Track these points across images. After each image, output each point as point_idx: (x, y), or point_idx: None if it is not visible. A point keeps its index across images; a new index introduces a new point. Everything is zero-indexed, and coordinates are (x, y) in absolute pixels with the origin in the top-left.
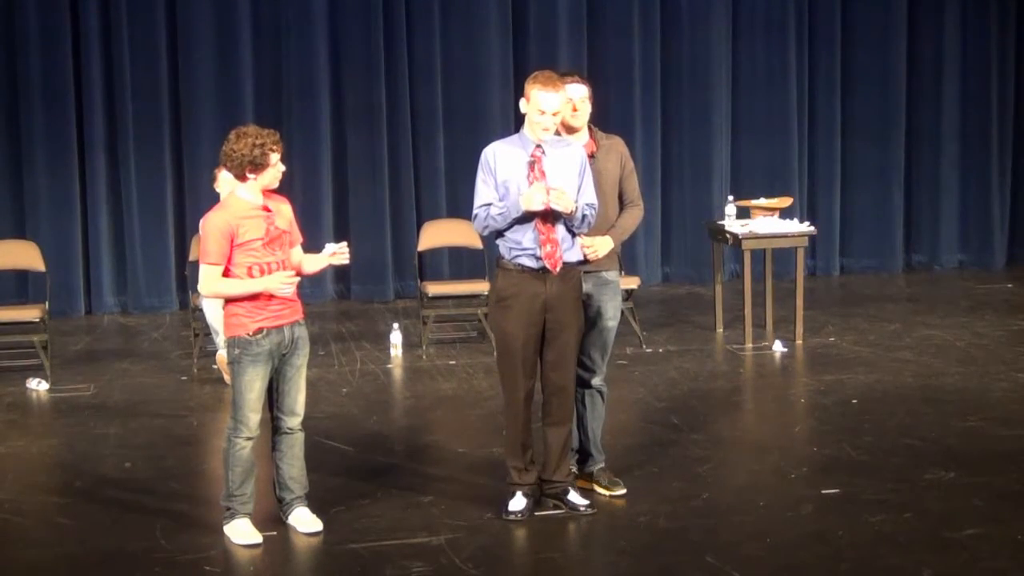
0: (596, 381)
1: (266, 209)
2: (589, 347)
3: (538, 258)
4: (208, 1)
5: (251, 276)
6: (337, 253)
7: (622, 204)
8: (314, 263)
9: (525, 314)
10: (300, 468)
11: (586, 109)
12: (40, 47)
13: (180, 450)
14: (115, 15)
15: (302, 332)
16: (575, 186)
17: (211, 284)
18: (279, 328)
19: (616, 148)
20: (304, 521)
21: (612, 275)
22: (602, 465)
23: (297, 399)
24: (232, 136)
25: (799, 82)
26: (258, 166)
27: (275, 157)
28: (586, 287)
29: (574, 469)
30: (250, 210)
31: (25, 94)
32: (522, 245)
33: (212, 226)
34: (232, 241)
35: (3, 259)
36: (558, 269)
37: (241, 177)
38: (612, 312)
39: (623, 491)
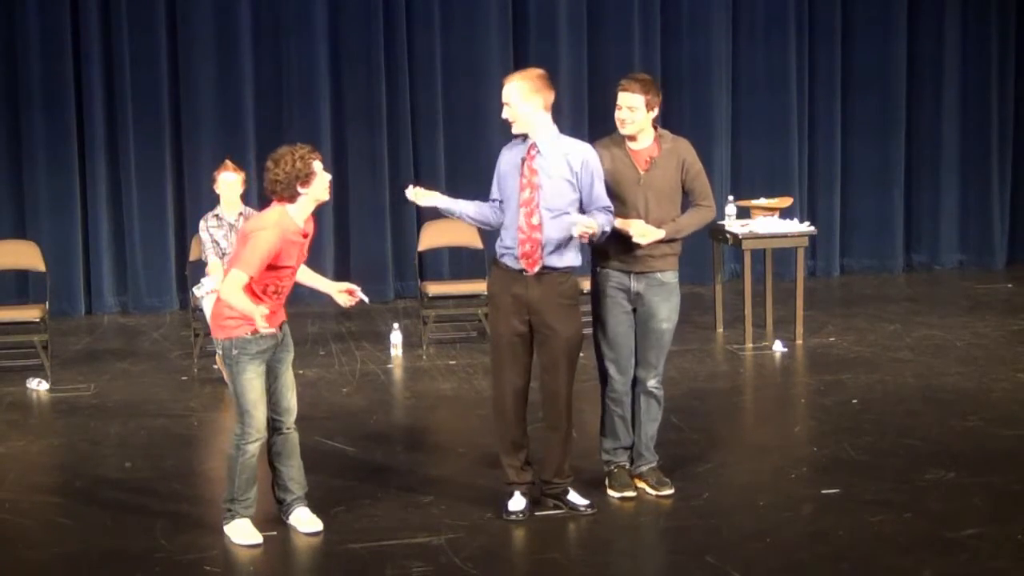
0: (651, 383)
1: (305, 236)
2: (644, 349)
3: (517, 258)
4: (208, 2)
5: (265, 295)
6: (347, 293)
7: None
8: (311, 279)
9: (508, 313)
10: (299, 468)
11: (633, 118)
12: (41, 48)
13: (180, 450)
14: (115, 16)
15: (287, 330)
16: (566, 185)
17: (235, 293)
18: (275, 329)
19: (678, 152)
20: (304, 521)
21: (668, 276)
22: (652, 465)
23: (291, 397)
24: (270, 164)
25: (799, 82)
26: (307, 176)
27: (318, 164)
28: (638, 287)
29: (627, 467)
30: (294, 234)
31: (26, 94)
32: (505, 244)
33: (266, 241)
34: (272, 262)
35: (3, 259)
36: (535, 271)
37: (293, 196)
38: (666, 314)
39: (671, 491)
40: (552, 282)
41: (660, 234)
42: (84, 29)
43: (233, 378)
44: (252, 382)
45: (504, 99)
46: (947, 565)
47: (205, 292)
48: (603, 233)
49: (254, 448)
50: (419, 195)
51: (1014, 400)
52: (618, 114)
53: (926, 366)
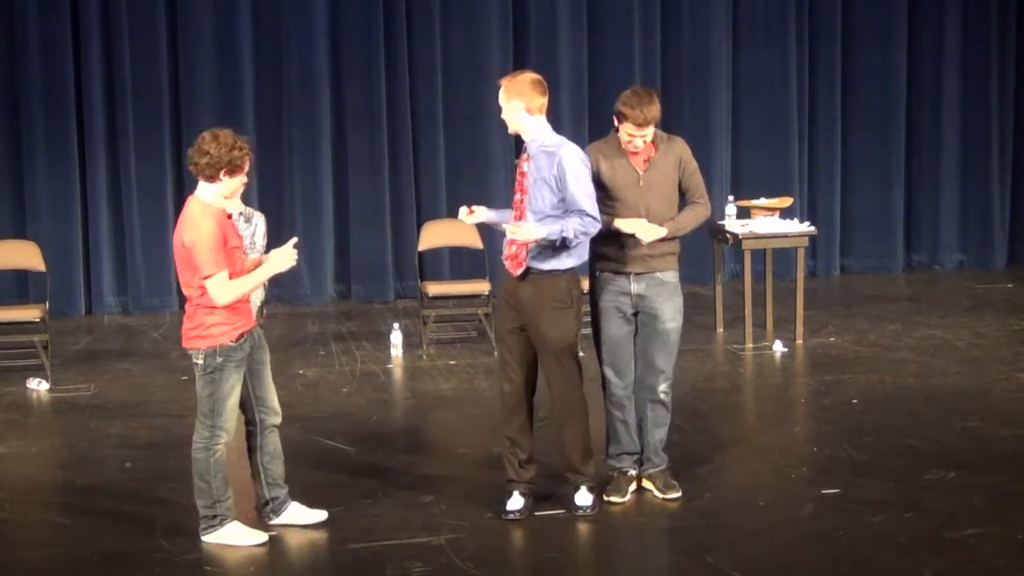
0: (661, 388)
1: (228, 216)
2: (651, 352)
3: (504, 258)
4: (208, 2)
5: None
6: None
7: (686, 203)
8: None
9: (503, 311)
10: (282, 464)
11: (646, 141)
12: (41, 47)
13: (180, 450)
14: (115, 15)
15: (260, 331)
16: (546, 187)
17: (227, 291)
18: (250, 331)
19: (675, 150)
20: (304, 515)
21: (668, 276)
22: (661, 468)
23: (273, 396)
24: (207, 136)
25: (799, 82)
26: (235, 168)
27: (247, 165)
28: (638, 288)
29: (630, 473)
30: (221, 215)
31: (26, 94)
32: (504, 245)
33: (206, 235)
34: (225, 245)
35: (3, 259)
36: (518, 272)
37: (213, 177)
38: (671, 314)
39: (678, 494)
40: (540, 284)
41: (663, 232)
42: (84, 29)
43: (214, 387)
44: (233, 388)
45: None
46: (947, 565)
47: None
48: (563, 240)
49: (224, 447)
50: (472, 218)
51: (1014, 400)
52: (633, 143)
53: (926, 366)
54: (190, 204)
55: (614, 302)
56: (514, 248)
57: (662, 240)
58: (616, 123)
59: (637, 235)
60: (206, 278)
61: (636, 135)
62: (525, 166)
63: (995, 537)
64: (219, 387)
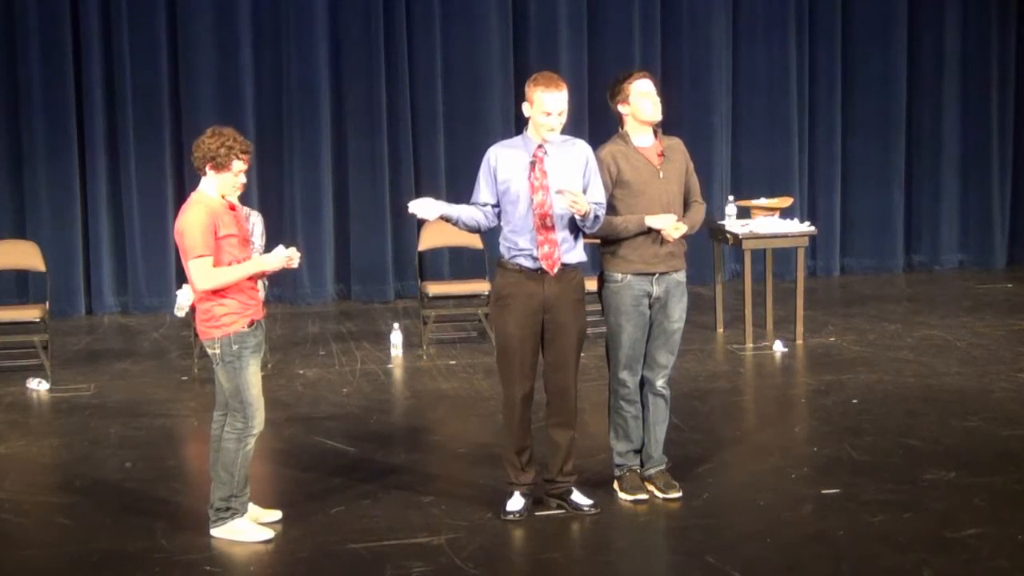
0: (659, 383)
1: (232, 208)
2: (654, 349)
3: (535, 259)
4: (208, 2)
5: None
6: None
7: (686, 203)
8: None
9: (522, 314)
10: None
11: (658, 103)
12: (41, 47)
13: (180, 450)
14: (115, 15)
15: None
16: (580, 185)
17: (207, 276)
18: (260, 321)
19: (679, 148)
20: (265, 513)
21: (682, 275)
22: (662, 467)
23: None
24: (208, 131)
25: (799, 82)
26: (219, 165)
27: (238, 165)
28: (658, 290)
29: (638, 470)
30: (221, 206)
31: (25, 94)
32: (519, 246)
33: (194, 220)
34: (215, 234)
35: (3, 259)
36: (555, 270)
37: (200, 169)
38: (679, 314)
39: (678, 494)
40: (567, 279)
41: (685, 228)
42: (84, 28)
43: (235, 375)
44: (255, 375)
45: (563, 107)
46: (947, 565)
47: (183, 304)
48: (596, 219)
49: (254, 441)
50: (420, 207)
51: (1014, 400)
52: (652, 106)
53: (926, 366)
54: (191, 195)
55: (636, 304)
56: (546, 248)
57: (680, 238)
58: (620, 124)
59: (664, 231)
60: (187, 260)
61: (648, 92)
62: (547, 163)
63: (995, 537)
64: (240, 375)
